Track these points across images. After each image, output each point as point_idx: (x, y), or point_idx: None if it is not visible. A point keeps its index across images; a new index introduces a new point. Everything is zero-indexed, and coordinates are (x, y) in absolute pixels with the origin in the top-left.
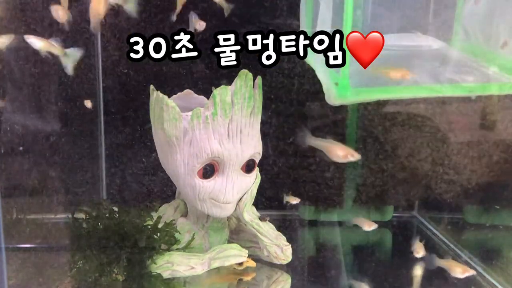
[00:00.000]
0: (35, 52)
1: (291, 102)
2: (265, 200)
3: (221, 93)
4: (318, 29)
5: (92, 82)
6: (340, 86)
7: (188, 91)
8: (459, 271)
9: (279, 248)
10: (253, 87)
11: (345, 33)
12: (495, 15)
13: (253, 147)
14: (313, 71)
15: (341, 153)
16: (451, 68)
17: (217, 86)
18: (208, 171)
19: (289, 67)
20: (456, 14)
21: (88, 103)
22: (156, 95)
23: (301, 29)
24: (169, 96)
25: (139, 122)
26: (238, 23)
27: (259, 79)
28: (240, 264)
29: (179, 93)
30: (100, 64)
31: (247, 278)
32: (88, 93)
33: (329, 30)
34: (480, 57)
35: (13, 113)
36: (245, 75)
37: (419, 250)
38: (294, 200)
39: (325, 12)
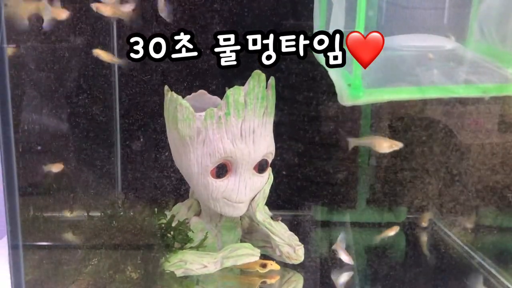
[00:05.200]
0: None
1: (303, 103)
2: (278, 200)
3: (234, 93)
4: (331, 30)
5: (108, 81)
6: (353, 86)
7: (202, 92)
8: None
9: (291, 248)
10: (266, 87)
11: None
12: (511, 15)
13: (266, 147)
14: (325, 71)
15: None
16: (466, 68)
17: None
18: (221, 170)
19: (302, 68)
20: (472, 14)
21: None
22: (170, 95)
23: (315, 30)
24: (183, 97)
25: (154, 121)
26: (251, 24)
27: (272, 80)
28: (264, 267)
29: (193, 93)
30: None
31: (271, 281)
32: (104, 92)
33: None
34: (495, 58)
35: (30, 112)
36: (258, 75)
37: (424, 220)
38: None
39: (338, 13)
